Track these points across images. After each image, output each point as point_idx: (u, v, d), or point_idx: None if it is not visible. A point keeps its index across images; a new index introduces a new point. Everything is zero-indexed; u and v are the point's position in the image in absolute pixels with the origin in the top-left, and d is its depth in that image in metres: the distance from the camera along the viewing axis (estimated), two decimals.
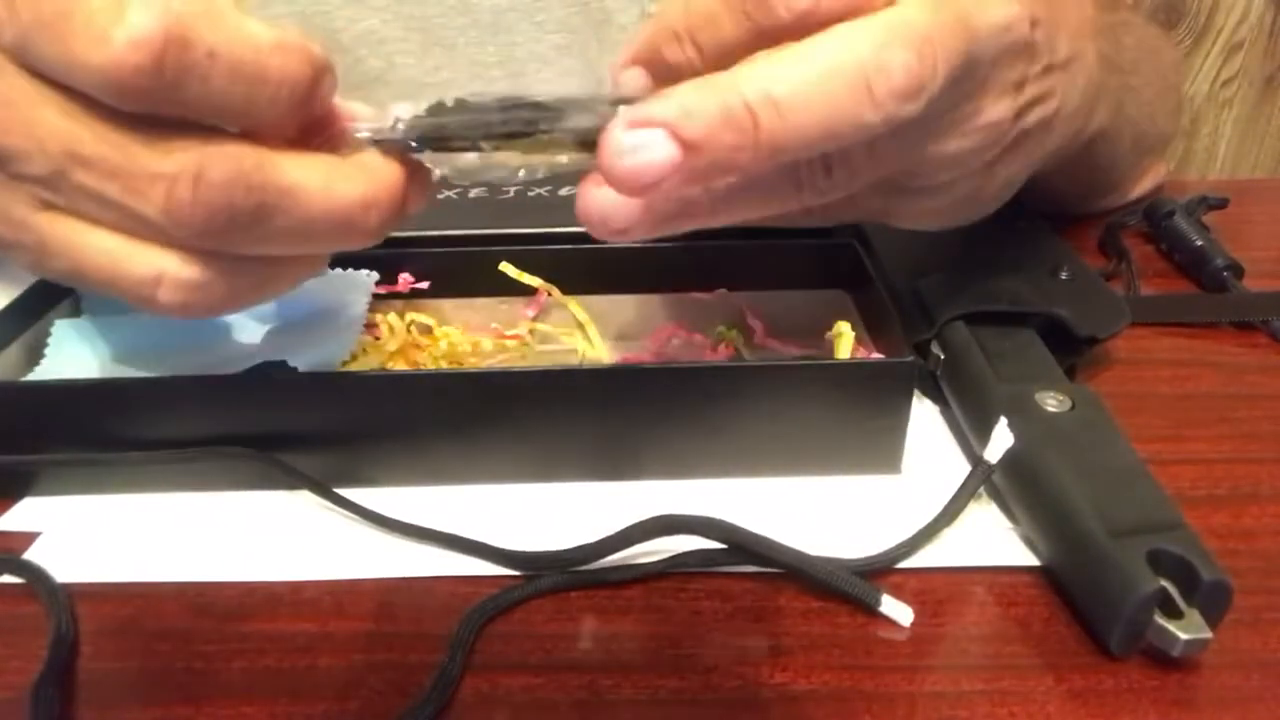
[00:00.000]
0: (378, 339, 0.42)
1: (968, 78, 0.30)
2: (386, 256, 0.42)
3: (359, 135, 0.29)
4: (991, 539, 0.33)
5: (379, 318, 0.43)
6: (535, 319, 0.44)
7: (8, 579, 0.32)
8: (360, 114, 0.29)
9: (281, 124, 0.27)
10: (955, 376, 0.39)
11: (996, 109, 0.32)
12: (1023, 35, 0.31)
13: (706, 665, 0.29)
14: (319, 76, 0.27)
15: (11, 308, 0.39)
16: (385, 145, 0.28)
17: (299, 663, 0.29)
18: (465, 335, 0.43)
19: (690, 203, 0.28)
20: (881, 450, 0.36)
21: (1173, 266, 0.53)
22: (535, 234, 0.43)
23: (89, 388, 0.35)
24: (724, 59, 0.27)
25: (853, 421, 0.35)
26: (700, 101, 0.25)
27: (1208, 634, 0.28)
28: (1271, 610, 0.31)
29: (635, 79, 0.29)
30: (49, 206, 0.26)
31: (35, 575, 0.32)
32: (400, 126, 0.28)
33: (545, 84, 0.58)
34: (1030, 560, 0.33)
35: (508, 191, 0.48)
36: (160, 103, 0.25)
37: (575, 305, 0.43)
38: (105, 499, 0.36)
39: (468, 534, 0.33)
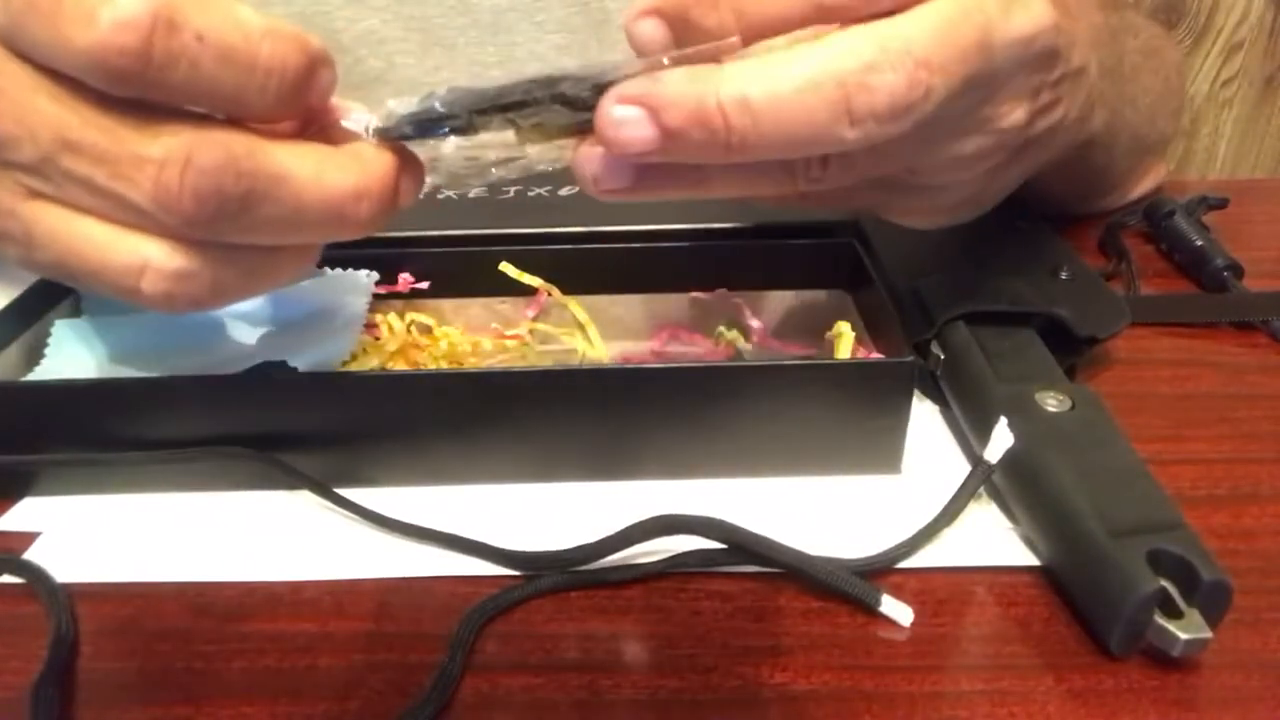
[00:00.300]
0: (378, 339, 0.42)
1: (980, 88, 0.29)
2: (386, 256, 0.42)
3: (352, 126, 0.29)
4: (991, 539, 0.33)
5: (379, 318, 0.43)
6: (535, 319, 0.44)
7: (8, 579, 0.32)
8: (354, 109, 0.29)
9: (273, 113, 0.27)
10: (955, 376, 0.39)
11: (1013, 114, 0.31)
12: (1048, 44, 0.31)
13: (706, 665, 0.29)
14: (314, 68, 0.27)
15: (11, 308, 0.39)
16: (380, 135, 0.28)
17: (299, 663, 0.29)
18: (465, 335, 0.43)
19: (679, 173, 0.28)
20: (881, 450, 0.36)
21: (1173, 266, 0.53)
22: (535, 234, 0.43)
23: (89, 388, 0.35)
24: (762, 31, 0.27)
25: (853, 421, 0.35)
26: (680, 94, 0.25)
27: (1208, 634, 0.28)
28: (1271, 610, 0.31)
29: (650, 30, 0.28)
30: (36, 195, 0.26)
31: (35, 575, 0.32)
32: (394, 116, 0.28)
33: None
34: (1030, 560, 0.33)
35: (507, 191, 0.48)
36: (148, 86, 0.24)
37: (575, 305, 0.43)
38: (105, 499, 0.36)
39: (468, 534, 0.33)
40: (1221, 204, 0.57)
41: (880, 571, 0.32)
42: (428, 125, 0.28)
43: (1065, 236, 0.48)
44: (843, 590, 0.31)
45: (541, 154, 0.29)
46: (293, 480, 0.35)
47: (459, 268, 0.43)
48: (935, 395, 0.40)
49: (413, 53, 0.57)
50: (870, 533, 0.33)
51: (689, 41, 0.27)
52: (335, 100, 0.29)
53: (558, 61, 0.59)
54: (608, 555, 0.32)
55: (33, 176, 0.26)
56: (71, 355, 0.39)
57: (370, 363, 0.41)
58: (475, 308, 0.44)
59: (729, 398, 0.35)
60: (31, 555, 0.33)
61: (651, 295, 0.44)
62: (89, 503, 0.36)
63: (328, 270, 0.41)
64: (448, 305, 0.44)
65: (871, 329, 0.41)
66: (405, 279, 0.43)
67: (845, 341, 0.40)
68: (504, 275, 0.42)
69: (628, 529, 0.31)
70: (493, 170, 0.30)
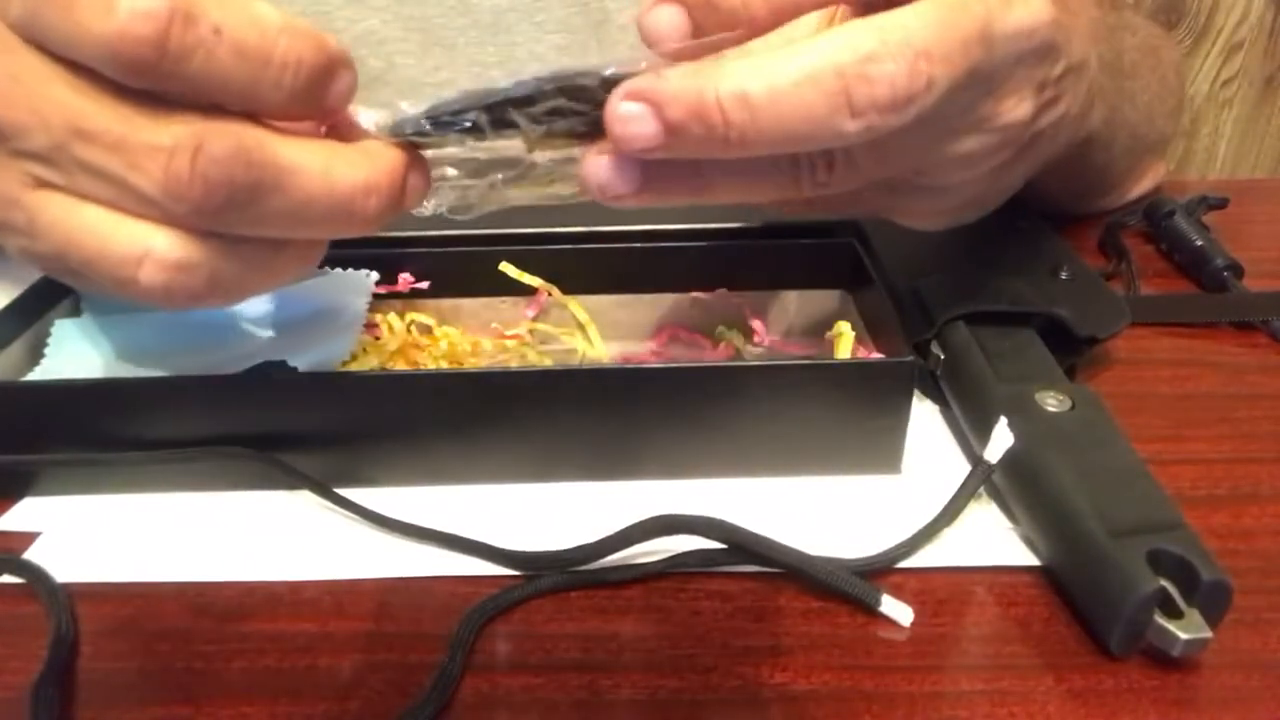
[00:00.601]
0: (378, 339, 0.42)
1: (982, 82, 0.29)
2: (386, 256, 0.42)
3: (364, 124, 0.29)
4: (991, 539, 0.33)
5: (379, 318, 0.43)
6: (535, 319, 0.44)
7: (8, 579, 0.32)
8: (363, 109, 0.29)
9: (289, 110, 0.27)
10: (955, 376, 0.39)
11: (1017, 110, 0.31)
12: (1048, 38, 0.31)
13: (706, 665, 0.29)
14: (332, 67, 0.27)
15: (11, 308, 0.39)
16: (390, 134, 0.28)
17: (299, 663, 0.29)
18: (465, 335, 0.43)
19: (684, 178, 0.28)
20: (881, 450, 0.36)
21: (1173, 266, 0.53)
22: (535, 234, 0.43)
23: (89, 388, 0.35)
24: (783, 12, 0.27)
25: (853, 421, 0.35)
26: (680, 90, 0.25)
27: (1208, 634, 0.28)
28: (1271, 610, 0.31)
29: (667, 18, 0.28)
30: (42, 185, 0.26)
31: (35, 575, 0.32)
32: (405, 114, 0.28)
33: None
34: (1030, 560, 0.33)
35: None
36: (163, 78, 0.25)
37: (575, 305, 0.43)
38: (105, 499, 0.36)
39: (468, 534, 0.33)
40: (1221, 204, 0.57)
41: (880, 571, 0.32)
42: (439, 123, 0.28)
43: (1065, 236, 0.48)
44: (843, 590, 0.31)
45: (551, 165, 0.29)
46: (293, 480, 0.35)
47: (459, 268, 0.43)
48: (935, 395, 0.40)
49: (413, 53, 0.57)
50: (870, 533, 0.33)
51: (709, 28, 0.27)
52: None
53: (558, 61, 0.59)
54: (608, 555, 0.32)
55: (42, 165, 0.26)
56: (71, 355, 0.39)
57: (370, 363, 0.41)
58: (475, 308, 0.44)
59: (729, 398, 0.35)
60: (31, 555, 0.33)
61: (651, 295, 0.44)
62: (89, 503, 0.36)
63: (328, 270, 0.41)
64: (448, 305, 0.44)
65: (871, 329, 0.41)
66: (405, 279, 0.43)
67: (845, 341, 0.40)
68: (504, 275, 0.42)
69: (628, 529, 0.31)
70: (499, 183, 0.30)
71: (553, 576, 0.32)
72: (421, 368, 0.41)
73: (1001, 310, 0.39)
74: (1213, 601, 0.28)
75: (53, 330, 0.39)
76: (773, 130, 0.26)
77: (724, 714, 0.28)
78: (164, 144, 0.25)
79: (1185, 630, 0.28)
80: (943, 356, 0.39)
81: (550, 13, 0.58)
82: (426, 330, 0.43)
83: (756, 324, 0.43)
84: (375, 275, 0.42)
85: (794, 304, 0.44)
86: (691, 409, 0.35)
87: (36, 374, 0.38)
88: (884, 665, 0.29)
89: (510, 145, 0.29)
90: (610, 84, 0.26)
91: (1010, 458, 0.33)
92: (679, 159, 0.28)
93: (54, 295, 0.41)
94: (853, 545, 0.32)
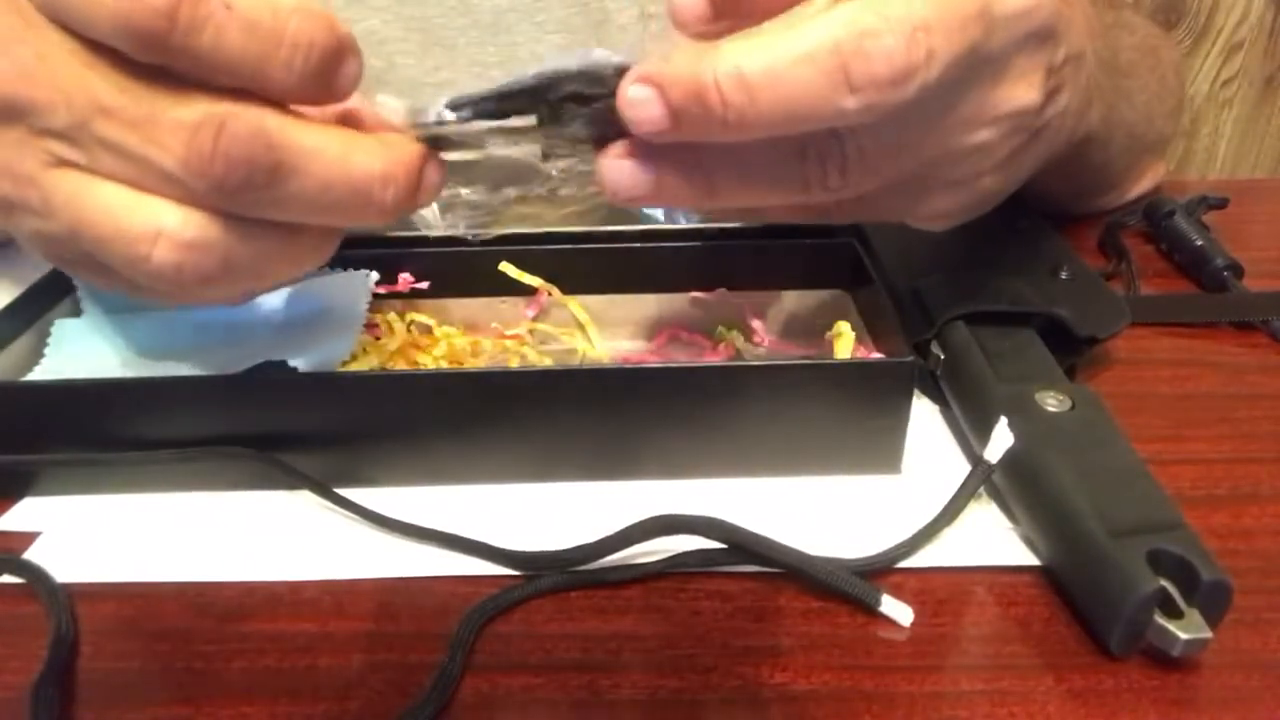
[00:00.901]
0: (378, 339, 0.42)
1: (986, 64, 0.29)
2: (386, 256, 0.42)
3: (385, 114, 0.29)
4: (991, 539, 0.33)
5: (379, 318, 0.43)
6: (535, 319, 0.44)
7: (8, 579, 0.32)
8: (384, 99, 0.29)
9: (298, 91, 0.27)
10: (955, 376, 0.39)
11: (1025, 96, 0.31)
12: (1048, 21, 0.31)
13: (706, 665, 0.29)
14: (342, 52, 0.27)
15: (11, 308, 0.39)
16: (413, 121, 0.28)
17: (299, 663, 0.29)
18: (465, 335, 0.43)
19: (693, 180, 0.28)
20: (881, 450, 0.36)
21: (1173, 266, 0.53)
22: (535, 234, 0.43)
23: (89, 388, 0.35)
24: None
25: (853, 421, 0.35)
26: (681, 72, 0.26)
27: (1208, 634, 0.28)
28: (1271, 610, 0.31)
29: (692, 3, 0.28)
30: (61, 163, 0.27)
31: (35, 575, 0.32)
32: (432, 115, 0.28)
33: None
34: (1030, 560, 0.33)
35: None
36: (174, 53, 0.25)
37: (575, 305, 0.43)
38: (105, 499, 0.36)
39: (468, 534, 0.33)
40: (1221, 204, 0.57)
41: (880, 571, 0.32)
42: (459, 106, 0.28)
43: (1065, 236, 0.48)
44: (843, 590, 0.31)
45: (563, 177, 0.29)
46: (293, 480, 0.35)
47: (459, 268, 0.43)
48: (935, 395, 0.40)
49: (413, 53, 0.57)
50: (870, 533, 0.33)
51: (730, 11, 0.27)
52: (363, 102, 0.29)
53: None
54: (608, 555, 0.32)
55: (63, 143, 0.26)
56: (71, 355, 0.39)
57: (370, 363, 0.41)
58: (475, 308, 0.44)
59: (729, 398, 0.35)
60: (31, 555, 0.33)
61: (651, 295, 0.44)
62: (89, 503, 0.36)
63: (328, 270, 0.41)
64: (448, 305, 0.44)
65: (871, 329, 0.41)
66: (405, 279, 0.43)
67: (845, 341, 0.40)
68: (504, 275, 0.42)
69: (628, 529, 0.31)
70: (512, 200, 0.31)
71: (553, 576, 0.32)
72: (421, 368, 0.41)
73: (1001, 310, 0.39)
74: (1213, 601, 0.28)
75: (53, 330, 0.39)
76: (771, 110, 0.26)
77: (724, 714, 0.28)
78: (187, 120, 0.25)
79: (1185, 630, 0.28)
80: (943, 356, 0.39)
81: (550, 13, 0.58)
82: (426, 330, 0.43)
83: (756, 324, 0.43)
84: (375, 275, 0.42)
85: (794, 304, 0.44)
86: (691, 409, 0.35)
87: (36, 374, 0.38)
88: (884, 665, 0.29)
89: (524, 150, 0.29)
90: (624, 72, 0.27)
91: (1010, 458, 0.33)
92: (689, 161, 0.28)
93: (54, 295, 0.41)
94: (853, 545, 0.32)
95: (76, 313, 0.41)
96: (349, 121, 0.29)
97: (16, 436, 0.35)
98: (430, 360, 0.42)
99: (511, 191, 0.31)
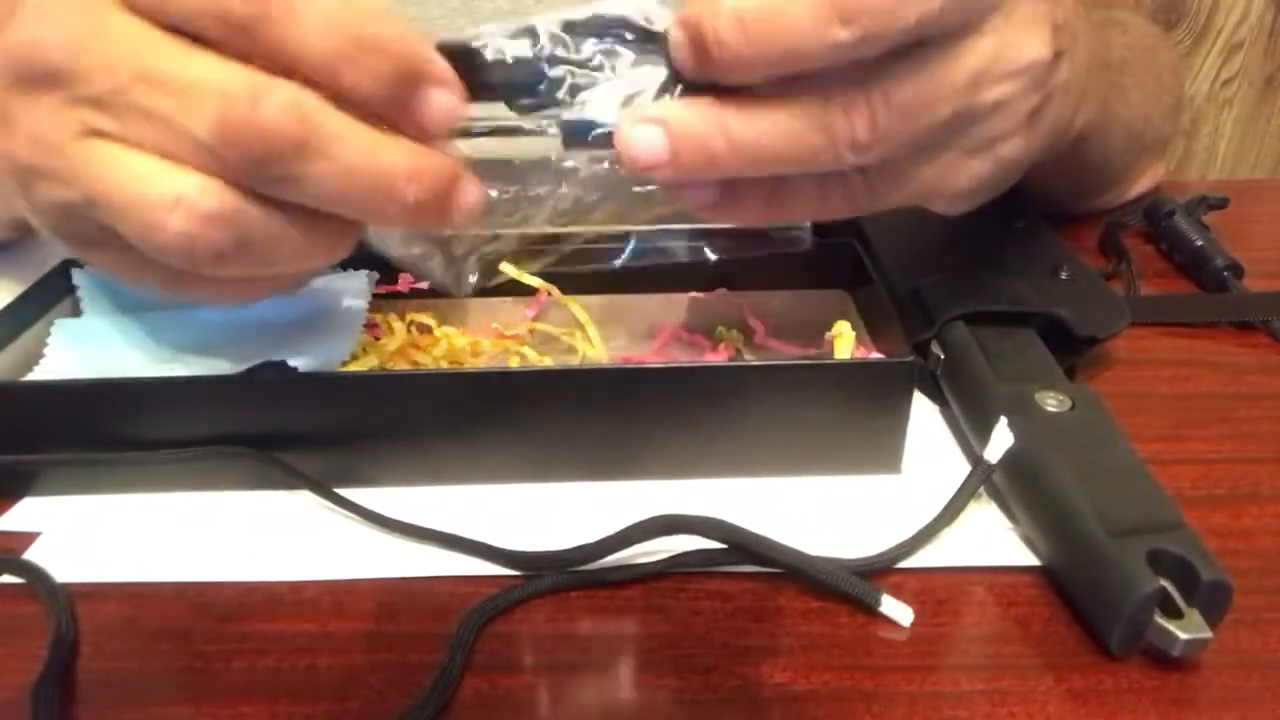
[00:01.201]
0: (378, 339, 0.42)
1: (990, 6, 0.30)
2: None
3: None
4: (991, 539, 0.33)
5: (379, 318, 0.43)
6: (535, 319, 0.44)
7: (8, 579, 0.32)
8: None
9: (370, 99, 0.27)
10: (955, 376, 0.39)
11: (1037, 47, 0.31)
12: None
13: (706, 665, 0.29)
14: (421, 75, 0.27)
15: (11, 308, 0.39)
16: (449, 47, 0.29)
17: (299, 663, 0.29)
18: (465, 335, 0.43)
19: (713, 146, 0.29)
20: (881, 450, 0.36)
21: (1173, 266, 0.53)
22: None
23: (89, 388, 0.35)
24: None
25: (853, 421, 0.35)
26: (689, 14, 0.28)
27: (1208, 634, 0.28)
28: (1271, 610, 0.31)
29: None
30: (91, 133, 0.27)
31: (35, 575, 0.32)
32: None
33: None
34: (1030, 560, 0.33)
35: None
36: (258, 36, 0.25)
37: (575, 305, 0.43)
38: (105, 499, 0.36)
39: (468, 534, 0.33)
40: (1221, 204, 0.57)
41: (880, 571, 0.32)
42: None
43: (1065, 236, 0.48)
44: (843, 590, 0.31)
45: (580, 174, 0.30)
46: (293, 480, 0.35)
47: None
48: (935, 395, 0.40)
49: None
50: (870, 533, 0.33)
51: None
52: None
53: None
54: (608, 555, 0.32)
55: (97, 111, 0.26)
56: (71, 355, 0.39)
57: (370, 363, 0.41)
58: (475, 308, 0.44)
59: (729, 398, 0.35)
60: (31, 555, 0.33)
61: (651, 295, 0.44)
62: (89, 503, 0.36)
63: (328, 270, 0.41)
64: (448, 305, 0.44)
65: (871, 329, 0.41)
66: (405, 279, 0.43)
67: (845, 341, 0.40)
68: (504, 275, 0.42)
69: (628, 529, 0.31)
70: (537, 199, 0.31)
71: (553, 576, 0.32)
72: (421, 368, 0.41)
73: (1001, 310, 0.39)
74: (1213, 601, 0.28)
75: (53, 330, 0.39)
76: (766, 47, 0.27)
77: (724, 714, 0.28)
78: (223, 89, 0.26)
79: (1185, 630, 0.28)
80: (943, 356, 0.39)
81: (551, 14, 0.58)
82: (426, 330, 0.43)
83: (756, 324, 0.43)
84: (375, 275, 0.42)
85: (794, 304, 0.44)
86: (691, 409, 0.35)
87: (36, 374, 0.38)
88: (884, 665, 0.29)
89: (542, 145, 0.29)
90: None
91: (1010, 458, 0.33)
92: (713, 123, 0.28)
93: (54, 295, 0.41)
94: (853, 545, 0.32)
95: (76, 313, 0.41)
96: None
97: (16, 436, 0.35)
98: (430, 360, 0.42)
99: (537, 191, 0.31)
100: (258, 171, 0.26)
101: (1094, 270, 0.45)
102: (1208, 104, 1.20)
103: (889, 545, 0.32)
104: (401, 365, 0.41)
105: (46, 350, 0.39)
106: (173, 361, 0.37)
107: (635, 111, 0.29)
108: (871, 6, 0.26)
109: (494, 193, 0.32)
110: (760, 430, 0.35)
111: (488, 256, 0.36)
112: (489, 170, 0.31)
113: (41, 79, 0.27)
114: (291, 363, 0.35)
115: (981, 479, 0.33)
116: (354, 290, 0.41)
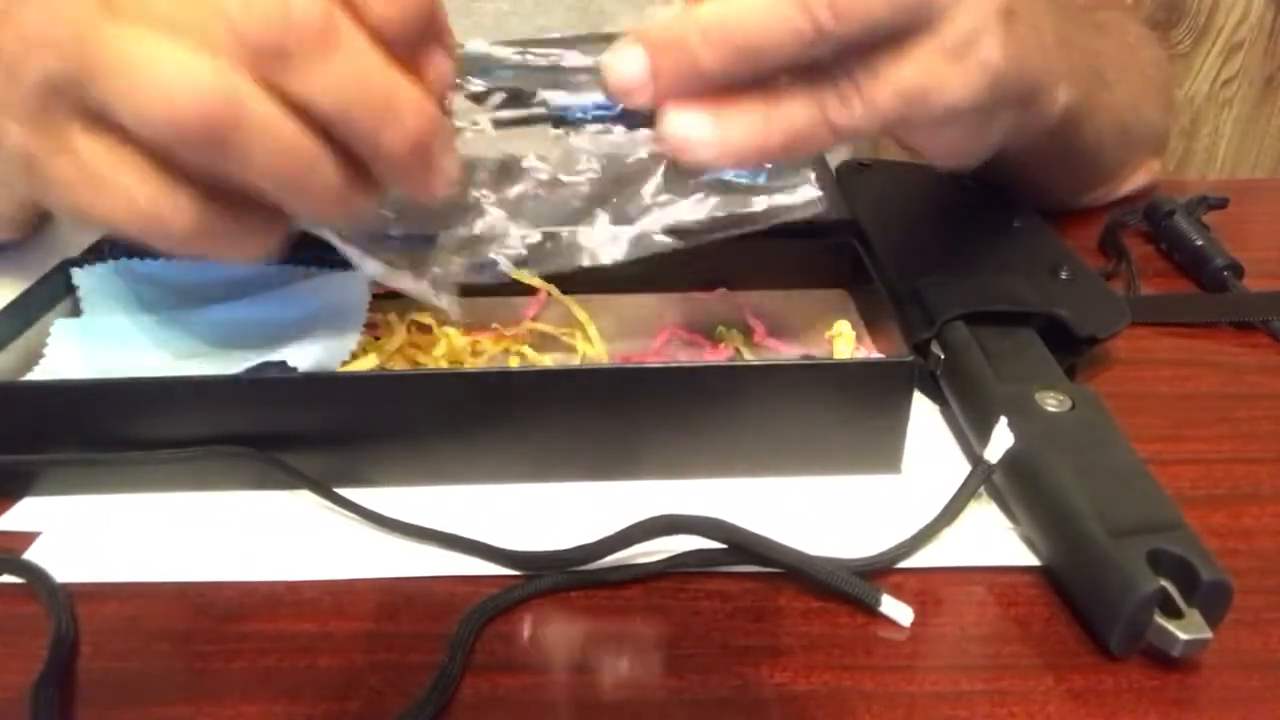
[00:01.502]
0: (378, 339, 0.42)
1: None
2: None
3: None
4: (991, 539, 0.34)
5: (379, 318, 0.43)
6: (535, 319, 0.44)
7: (8, 579, 0.32)
8: None
9: (386, 26, 0.28)
10: (955, 376, 0.39)
11: None
12: None
13: (706, 665, 0.29)
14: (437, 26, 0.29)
15: (11, 308, 0.39)
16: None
17: (299, 663, 0.29)
18: (465, 335, 0.43)
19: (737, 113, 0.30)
20: (881, 450, 0.36)
21: (1173, 266, 0.53)
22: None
23: (89, 388, 0.35)
24: None
25: (853, 421, 0.35)
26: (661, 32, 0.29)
27: (1208, 634, 0.28)
28: (1271, 610, 0.31)
29: None
30: (112, 14, 0.27)
31: (35, 575, 0.32)
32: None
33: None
34: (1030, 560, 0.33)
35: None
36: None
37: (575, 305, 0.43)
38: (105, 499, 0.36)
39: (468, 534, 0.33)
40: (1221, 204, 0.57)
41: (880, 571, 0.32)
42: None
43: (1065, 236, 0.48)
44: (843, 590, 0.31)
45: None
46: (293, 480, 0.35)
47: None
48: (935, 395, 0.40)
49: None
50: (870, 533, 0.33)
51: None
52: None
53: None
54: (608, 555, 0.32)
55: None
56: (71, 355, 0.39)
57: (370, 363, 0.41)
58: (475, 308, 0.44)
59: (729, 398, 0.35)
60: (31, 555, 0.33)
61: (651, 295, 0.44)
62: (89, 503, 0.36)
63: (328, 270, 0.41)
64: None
65: (871, 329, 0.41)
66: None
67: (845, 341, 0.40)
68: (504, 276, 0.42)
69: (628, 529, 0.31)
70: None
71: (553, 576, 0.32)
72: (421, 368, 0.41)
73: (1001, 310, 0.39)
74: (1213, 601, 0.28)
75: (53, 330, 0.39)
76: (742, 43, 0.28)
77: (724, 714, 0.28)
78: None
79: (1185, 630, 0.28)
80: (943, 356, 0.39)
81: (551, 15, 0.58)
82: (426, 330, 0.43)
83: (756, 324, 0.43)
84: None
85: (794, 304, 0.44)
86: (691, 409, 0.35)
87: (36, 374, 0.38)
88: (884, 665, 0.29)
89: (539, 132, 0.30)
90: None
91: (1010, 458, 0.33)
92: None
93: (54, 295, 0.41)
94: (853, 545, 0.32)
95: (76, 313, 0.41)
96: None
97: (16, 436, 0.35)
98: (430, 360, 0.42)
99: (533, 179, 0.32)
100: (275, 61, 0.27)
101: (1094, 270, 0.45)
102: (1208, 104, 1.21)
103: (889, 545, 0.32)
104: (401, 365, 0.41)
105: (46, 350, 0.39)
106: (173, 361, 0.37)
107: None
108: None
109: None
110: (760, 430, 0.35)
111: (454, 278, 0.36)
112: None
113: None
114: (291, 363, 0.35)
115: (981, 479, 0.33)
116: (354, 290, 0.41)
